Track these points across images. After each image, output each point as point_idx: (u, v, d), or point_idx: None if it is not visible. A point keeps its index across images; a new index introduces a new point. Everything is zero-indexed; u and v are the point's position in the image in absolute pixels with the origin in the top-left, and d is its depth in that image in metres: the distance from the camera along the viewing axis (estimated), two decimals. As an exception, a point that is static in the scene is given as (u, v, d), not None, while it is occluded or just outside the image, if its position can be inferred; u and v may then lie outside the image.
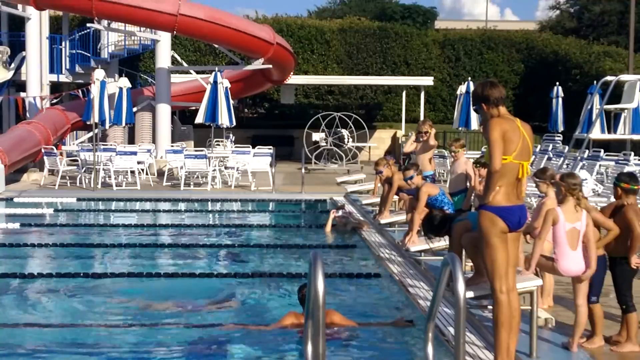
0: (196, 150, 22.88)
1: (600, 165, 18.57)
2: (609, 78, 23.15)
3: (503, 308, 6.31)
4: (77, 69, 28.54)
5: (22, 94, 26.32)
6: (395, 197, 14.15)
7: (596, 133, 22.89)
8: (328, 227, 14.75)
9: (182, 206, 18.83)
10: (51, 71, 27.84)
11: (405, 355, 7.74)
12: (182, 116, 33.53)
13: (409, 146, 13.78)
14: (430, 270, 10.27)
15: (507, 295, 6.32)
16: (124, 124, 24.24)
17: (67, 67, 28.81)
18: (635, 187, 7.41)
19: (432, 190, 11.27)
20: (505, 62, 38.26)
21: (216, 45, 32.12)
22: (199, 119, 22.51)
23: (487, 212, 6.34)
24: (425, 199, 11.08)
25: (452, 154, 11.46)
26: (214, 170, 21.81)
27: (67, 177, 22.35)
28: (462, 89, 25.27)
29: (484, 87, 6.57)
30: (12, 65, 27.64)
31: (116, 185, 21.39)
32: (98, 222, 16.64)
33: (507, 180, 6.32)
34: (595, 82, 24.89)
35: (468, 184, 11.13)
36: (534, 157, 19.36)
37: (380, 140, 34.41)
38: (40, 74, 25.84)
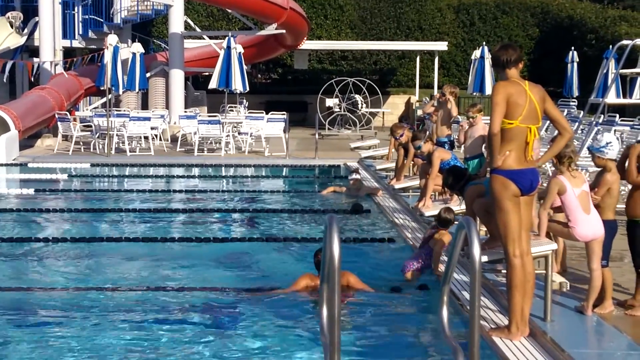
0: (209, 116, 22.85)
1: (615, 131, 18.42)
2: (624, 42, 22.91)
3: (516, 272, 6.31)
4: (90, 34, 28.44)
5: (35, 60, 26.28)
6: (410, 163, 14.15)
7: (612, 98, 22.66)
8: (324, 191, 14.92)
9: (195, 172, 18.85)
10: (64, 36, 27.71)
11: (419, 319, 7.77)
12: (196, 82, 33.47)
13: (428, 108, 13.99)
14: (444, 235, 10.25)
15: (521, 259, 6.32)
16: (137, 89, 24.18)
17: (80, 32, 28.70)
18: None
19: (445, 155, 11.26)
20: (520, 27, 37.89)
21: (229, 10, 31.96)
22: (212, 84, 22.44)
23: (499, 176, 6.33)
24: (438, 164, 11.05)
25: (470, 119, 11.34)
26: (228, 135, 21.79)
27: (81, 143, 22.39)
28: (476, 54, 25.08)
29: (495, 50, 6.63)
30: (25, 30, 27.56)
31: (130, 151, 21.42)
32: (112, 188, 16.68)
33: (516, 144, 6.31)
34: (610, 46, 24.63)
35: (484, 149, 11.06)
36: (548, 122, 19.23)
37: (394, 106, 34.25)
38: (53, 40, 25.76)
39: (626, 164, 7.41)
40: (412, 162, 14.06)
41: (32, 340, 6.92)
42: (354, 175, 14.99)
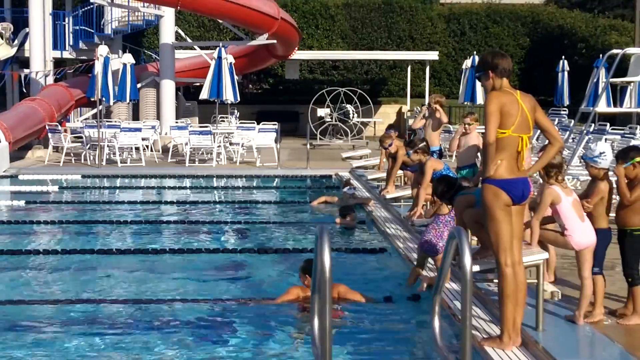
0: (201, 127, 22.83)
1: (606, 139, 18.47)
2: (615, 51, 23.00)
3: (508, 281, 6.30)
4: (81, 45, 28.42)
5: (26, 71, 26.25)
6: (400, 172, 14.13)
7: (602, 107, 22.71)
8: (315, 202, 14.91)
9: (187, 182, 18.82)
10: (54, 47, 27.69)
11: (411, 329, 7.75)
12: (187, 92, 33.46)
13: (418, 122, 14.02)
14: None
15: (512, 269, 6.30)
16: (128, 100, 24.17)
17: (71, 43, 28.69)
18: None
19: (437, 165, 11.26)
20: (510, 36, 38.02)
21: (220, 21, 31.97)
22: (204, 94, 22.43)
23: (491, 186, 6.32)
24: (430, 173, 11.04)
25: (466, 126, 11.33)
26: (219, 146, 21.77)
27: (72, 154, 22.34)
28: (467, 63, 25.12)
29: (494, 56, 6.51)
30: (16, 41, 27.52)
31: (121, 162, 21.37)
32: (103, 199, 16.62)
33: (508, 154, 6.30)
34: (601, 55, 24.72)
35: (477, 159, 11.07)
36: (539, 131, 19.28)
37: (385, 116, 34.29)
38: (43, 51, 25.74)
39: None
40: (402, 173, 14.08)
41: (21, 353, 6.88)
42: (346, 189, 14.99)
